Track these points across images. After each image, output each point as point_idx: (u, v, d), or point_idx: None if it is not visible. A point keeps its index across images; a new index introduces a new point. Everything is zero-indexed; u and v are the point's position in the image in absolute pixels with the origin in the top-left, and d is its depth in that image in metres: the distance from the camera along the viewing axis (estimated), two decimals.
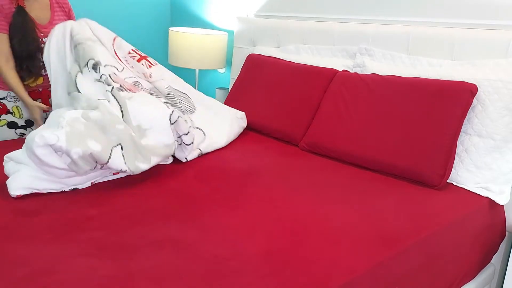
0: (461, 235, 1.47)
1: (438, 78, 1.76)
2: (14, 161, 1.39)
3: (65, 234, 1.14)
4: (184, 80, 3.41)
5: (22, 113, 2.09)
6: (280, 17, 2.65)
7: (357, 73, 1.99)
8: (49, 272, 0.97)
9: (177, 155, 1.75)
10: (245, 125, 2.18)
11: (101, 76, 1.71)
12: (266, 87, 2.26)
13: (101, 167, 1.42)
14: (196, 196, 1.43)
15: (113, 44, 1.93)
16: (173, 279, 0.98)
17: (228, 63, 3.05)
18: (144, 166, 1.50)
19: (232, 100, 2.38)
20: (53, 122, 1.49)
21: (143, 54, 2.01)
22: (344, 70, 2.07)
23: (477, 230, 1.55)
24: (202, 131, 1.89)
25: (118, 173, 1.51)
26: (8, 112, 2.06)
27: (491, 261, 1.76)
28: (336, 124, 1.89)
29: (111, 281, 0.95)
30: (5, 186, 1.38)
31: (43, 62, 1.96)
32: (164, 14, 3.44)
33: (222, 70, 3.14)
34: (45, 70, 2.06)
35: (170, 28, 2.85)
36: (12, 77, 1.96)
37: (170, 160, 1.74)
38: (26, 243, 1.09)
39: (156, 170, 1.63)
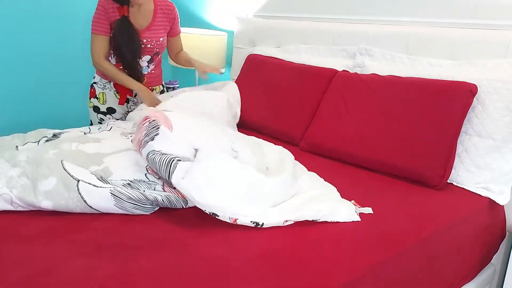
0: (461, 235, 1.47)
1: (438, 78, 1.76)
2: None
3: (65, 234, 1.14)
4: (184, 80, 3.42)
5: (105, 100, 2.22)
6: (280, 17, 2.65)
7: (357, 73, 1.99)
8: (49, 272, 0.97)
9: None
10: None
11: None
12: (266, 87, 2.25)
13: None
14: None
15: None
16: (173, 279, 0.98)
17: (228, 63, 3.05)
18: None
19: None
20: None
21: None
22: (344, 70, 2.07)
23: (477, 230, 1.55)
24: None
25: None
26: (95, 96, 2.22)
27: (491, 261, 1.76)
28: (336, 124, 1.89)
29: (111, 281, 0.95)
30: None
31: (141, 65, 2.14)
32: None
33: (222, 70, 3.14)
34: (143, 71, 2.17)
35: None
36: (117, 71, 2.08)
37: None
38: (26, 243, 1.08)
39: None
